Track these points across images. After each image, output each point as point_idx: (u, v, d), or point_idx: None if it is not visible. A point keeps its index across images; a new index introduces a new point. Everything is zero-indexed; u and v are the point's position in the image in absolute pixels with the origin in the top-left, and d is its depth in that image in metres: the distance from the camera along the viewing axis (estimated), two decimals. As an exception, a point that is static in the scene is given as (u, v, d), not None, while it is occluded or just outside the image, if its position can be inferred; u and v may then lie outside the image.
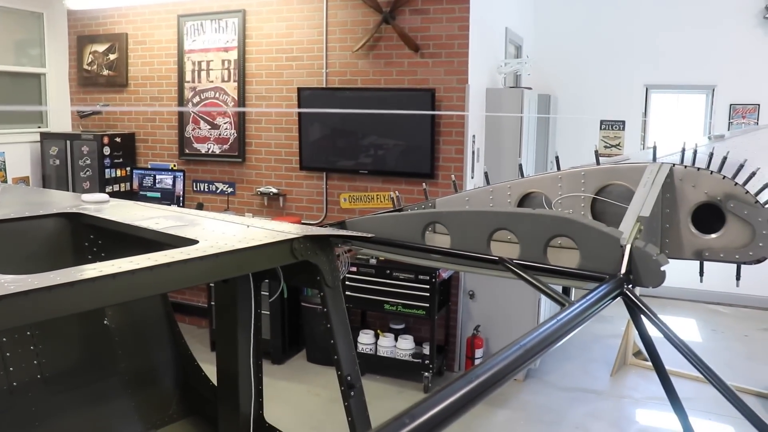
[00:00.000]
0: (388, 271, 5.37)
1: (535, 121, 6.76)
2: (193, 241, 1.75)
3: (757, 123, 7.38)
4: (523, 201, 2.26)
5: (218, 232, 1.91)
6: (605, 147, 7.98)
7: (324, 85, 5.91)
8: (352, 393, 2.09)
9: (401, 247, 1.95)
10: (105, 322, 2.42)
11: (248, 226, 2.01)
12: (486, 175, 2.44)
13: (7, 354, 2.17)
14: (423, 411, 0.82)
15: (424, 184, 2.79)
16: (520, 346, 1.12)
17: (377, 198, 5.80)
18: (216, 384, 2.42)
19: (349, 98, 5.83)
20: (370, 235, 1.99)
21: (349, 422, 2.08)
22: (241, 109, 6.28)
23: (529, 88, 6.42)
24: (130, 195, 6.59)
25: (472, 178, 5.67)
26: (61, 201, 2.67)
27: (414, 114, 5.49)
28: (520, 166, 2.45)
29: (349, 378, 2.06)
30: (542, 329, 1.21)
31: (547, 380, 5.59)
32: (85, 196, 2.50)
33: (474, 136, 5.72)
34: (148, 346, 2.56)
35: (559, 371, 5.76)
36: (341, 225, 2.17)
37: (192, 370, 2.57)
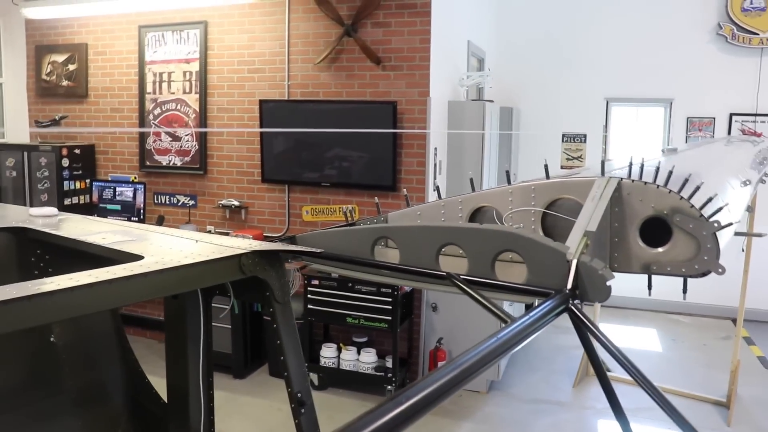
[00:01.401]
0: (351, 284, 5.35)
1: (497, 134, 6.81)
2: (139, 257, 1.72)
3: (713, 136, 7.52)
4: (475, 215, 2.26)
5: (165, 247, 1.88)
6: (567, 159, 8.07)
7: (286, 98, 5.89)
8: (303, 410, 2.07)
9: (350, 262, 1.94)
10: (51, 339, 2.36)
11: (197, 241, 1.98)
12: (438, 189, 2.44)
13: None
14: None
15: (376, 198, 2.78)
16: (456, 366, 1.11)
17: (339, 211, 5.78)
18: (166, 401, 2.38)
19: (312, 111, 5.82)
20: (319, 251, 1.97)
21: None
22: (202, 130, 6.23)
23: (491, 101, 6.47)
24: (90, 207, 6.49)
25: (434, 190, 5.67)
26: (9, 215, 2.61)
27: (375, 126, 5.50)
28: (471, 180, 2.46)
29: (299, 395, 2.04)
30: (482, 347, 1.21)
31: (510, 392, 5.61)
32: (33, 210, 2.44)
33: (436, 148, 5.74)
34: (96, 362, 2.51)
35: (523, 383, 5.78)
36: (292, 240, 2.16)
37: (142, 387, 2.52)
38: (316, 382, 5.55)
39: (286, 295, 2.01)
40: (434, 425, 4.94)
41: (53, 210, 2.47)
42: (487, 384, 5.56)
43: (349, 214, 2.39)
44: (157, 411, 2.46)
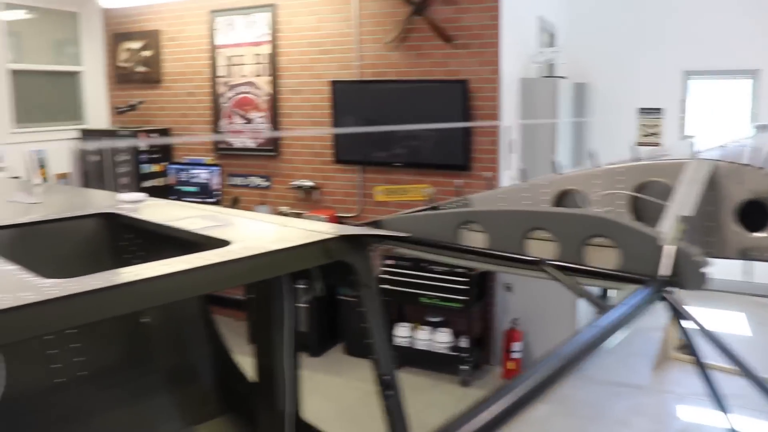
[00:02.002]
0: (425, 264, 5.35)
1: (571, 110, 6.66)
2: (226, 242, 1.75)
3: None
4: (560, 198, 2.22)
5: (252, 232, 1.91)
6: (644, 135, 7.83)
7: (357, 78, 5.89)
8: (390, 393, 2.08)
9: (437, 246, 1.93)
10: (143, 320, 2.44)
11: (283, 226, 2.01)
12: (522, 171, 2.40)
13: (49, 352, 2.20)
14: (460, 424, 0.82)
15: (455, 181, 2.75)
16: (559, 356, 1.10)
17: (412, 190, 5.77)
18: (253, 380, 2.43)
19: (382, 91, 5.81)
20: (406, 235, 1.97)
21: (386, 423, 2.07)
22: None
23: (564, 77, 6.33)
24: (167, 190, 6.66)
25: (508, 170, 5.60)
26: (99, 201, 2.70)
27: (446, 106, 5.46)
28: (555, 162, 2.41)
29: (386, 378, 2.05)
30: (582, 337, 1.19)
31: (586, 374, 5.52)
32: (122, 196, 2.52)
33: (509, 127, 5.65)
34: (185, 343, 2.58)
35: (599, 365, 5.69)
36: (376, 224, 2.16)
37: (229, 366, 2.58)
38: (389, 362, 5.58)
39: (371, 278, 2.02)
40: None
41: (141, 195, 2.53)
42: (562, 365, 5.49)
43: (430, 197, 2.38)
44: (244, 390, 2.52)
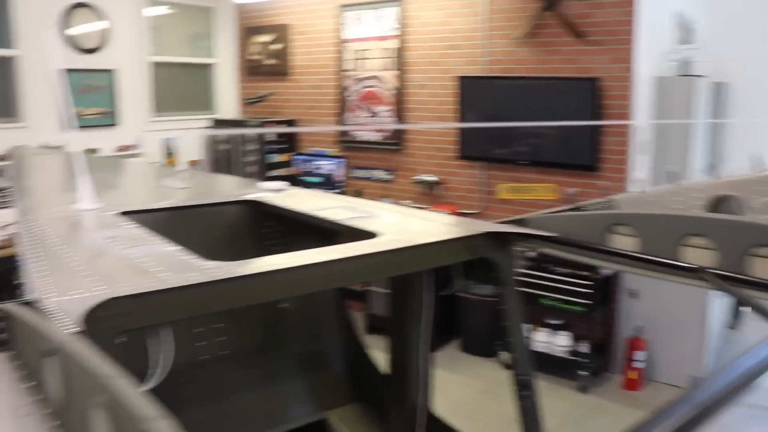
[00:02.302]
0: (547, 265, 5.24)
1: (708, 111, 6.32)
2: (373, 234, 1.77)
3: None
4: (716, 204, 2.10)
5: (398, 225, 1.92)
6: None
7: (484, 74, 5.83)
8: (526, 394, 2.04)
9: (586, 248, 1.87)
10: (281, 306, 2.51)
11: (427, 220, 2.01)
12: (673, 174, 2.29)
13: (195, 330, 2.30)
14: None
15: (598, 182, 2.67)
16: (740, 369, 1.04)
17: (537, 189, 5.66)
18: (384, 371, 2.45)
19: (509, 87, 5.72)
20: (552, 235, 1.92)
21: (521, 423, 2.04)
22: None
23: (702, 76, 6.01)
24: (292, 180, 6.83)
25: (637, 171, 5.39)
26: (241, 188, 2.79)
27: (574, 104, 5.31)
28: (711, 166, 2.28)
29: (524, 378, 2.02)
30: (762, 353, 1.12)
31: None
32: (264, 184, 2.60)
33: (641, 127, 5.44)
34: (320, 330, 2.64)
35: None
36: (520, 222, 2.12)
37: (361, 356, 2.62)
38: (507, 361, 5.52)
39: (514, 277, 1.99)
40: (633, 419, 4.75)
41: (282, 184, 2.61)
42: (689, 379, 5.24)
43: (570, 197, 2.31)
44: (375, 380, 2.55)
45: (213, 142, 7.18)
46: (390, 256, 1.62)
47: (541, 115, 5.56)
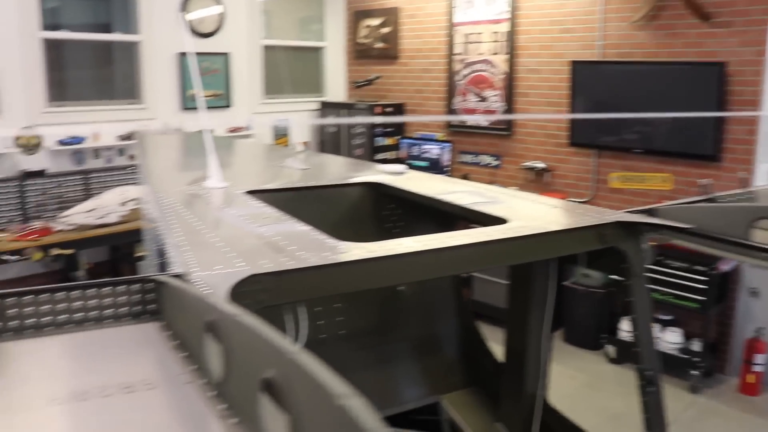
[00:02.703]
0: (661, 258, 5.04)
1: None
2: (502, 220, 1.75)
3: None
4: None
5: (525, 211, 1.89)
6: None
7: (599, 59, 5.64)
8: (651, 390, 1.97)
9: (727, 243, 1.77)
10: (399, 288, 2.52)
11: (554, 207, 1.97)
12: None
13: (316, 309, 2.35)
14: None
15: (739, 173, 2.53)
16: None
17: (651, 179, 5.45)
18: (498, 358, 2.43)
19: (626, 72, 5.51)
20: (687, 227, 1.83)
21: (644, 420, 1.98)
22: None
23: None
24: (399, 163, 6.85)
25: (765, 164, 5.08)
26: (360, 170, 2.82)
27: (697, 90, 5.06)
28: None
29: (649, 373, 1.95)
30: None
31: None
32: (384, 166, 2.61)
33: (770, 114, 5.12)
34: (435, 314, 2.64)
35: None
36: (651, 212, 2.03)
37: (476, 341, 2.60)
38: (612, 355, 5.37)
39: (643, 269, 1.91)
40: (750, 426, 4.54)
41: (402, 167, 2.61)
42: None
43: (704, 188, 2.19)
44: (490, 367, 2.52)
45: (321, 125, 7.30)
46: (522, 243, 1.59)
47: (658, 103, 5.32)
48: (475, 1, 6.41)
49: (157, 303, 1.24)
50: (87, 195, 5.92)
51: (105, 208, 5.48)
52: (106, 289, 1.20)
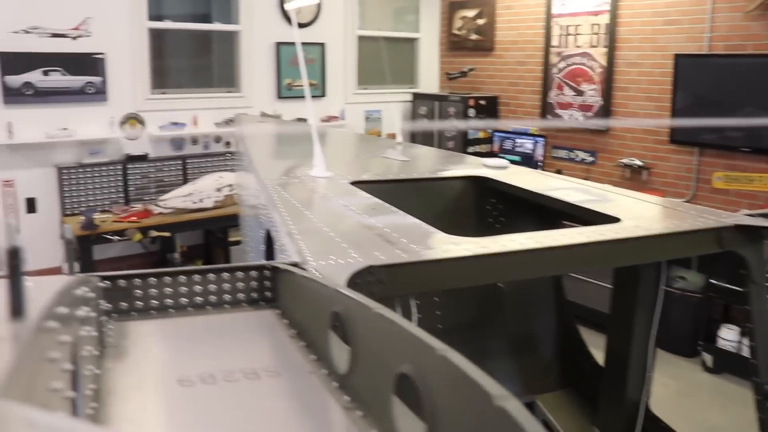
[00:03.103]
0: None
1: None
2: (615, 219, 1.69)
3: None
4: None
5: (638, 210, 1.82)
6: None
7: (706, 52, 5.40)
8: None
9: None
10: (500, 285, 2.49)
11: (667, 207, 1.90)
12: None
13: (413, 302, 2.33)
14: None
15: None
16: None
17: (758, 179, 5.18)
18: (598, 361, 2.36)
19: (735, 66, 5.25)
20: (814, 232, 1.72)
21: None
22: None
23: None
24: (491, 157, 6.77)
25: None
26: (461, 163, 2.79)
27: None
28: None
29: (767, 388, 1.85)
30: None
31: None
32: (486, 160, 2.57)
33: None
34: (534, 311, 2.59)
35: None
36: (772, 216, 1.92)
37: (574, 342, 2.53)
38: (709, 364, 5.15)
39: (764, 276, 1.81)
40: None
41: (504, 162, 2.57)
42: None
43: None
44: (588, 369, 2.46)
45: (413, 116, 7.28)
46: (637, 244, 1.53)
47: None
48: (574, -9, 6.25)
49: (274, 290, 1.25)
50: (185, 180, 6.12)
51: (201, 192, 5.64)
52: (226, 275, 1.22)
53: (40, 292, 0.67)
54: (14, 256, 0.65)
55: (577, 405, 2.46)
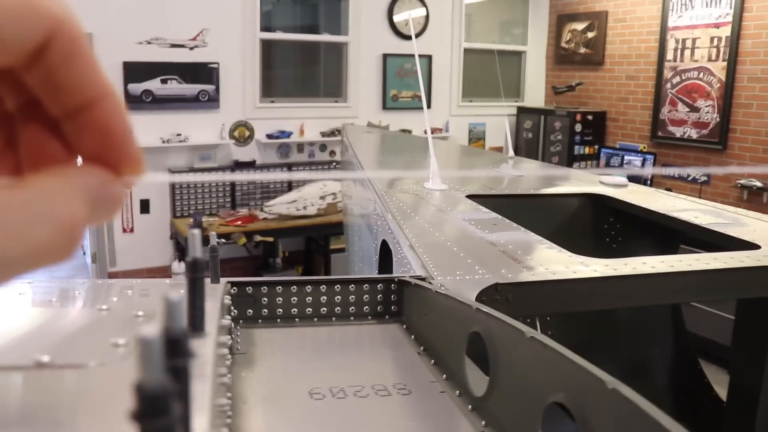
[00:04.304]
0: None
1: None
2: (754, 245, 1.58)
3: None
4: None
5: None
6: None
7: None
8: None
9: None
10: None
11: None
12: None
13: (527, 322, 2.26)
14: None
15: None
16: None
17: None
18: (719, 396, 2.22)
19: None
20: None
21: None
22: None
23: None
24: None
25: None
26: (576, 179, 2.70)
27: None
28: None
29: None
30: None
31: None
32: (605, 178, 2.48)
33: None
34: (650, 339, 2.46)
35: None
36: None
37: (693, 373, 2.39)
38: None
39: None
40: None
41: (624, 179, 2.46)
42: None
43: None
44: (708, 403, 2.32)
45: (519, 130, 7.18)
46: None
47: None
48: (694, 3, 5.99)
49: (399, 304, 1.23)
50: (290, 187, 6.24)
51: (305, 200, 5.73)
52: (352, 287, 1.21)
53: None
54: (196, 268, 0.65)
55: None
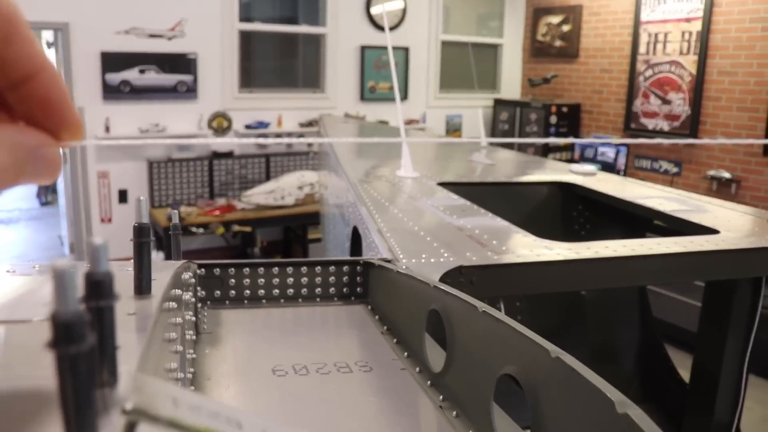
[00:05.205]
0: None
1: None
2: (713, 230, 1.64)
3: None
4: None
5: (737, 223, 1.76)
6: None
7: (805, 62, 5.19)
8: None
9: None
10: (582, 292, 2.45)
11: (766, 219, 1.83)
12: None
13: (496, 305, 2.32)
14: None
15: None
16: None
17: None
18: (683, 379, 2.29)
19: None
20: None
21: None
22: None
23: None
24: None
25: None
26: (546, 168, 2.76)
27: None
28: None
29: None
30: None
31: None
32: (574, 167, 2.54)
33: None
34: (617, 323, 2.53)
35: None
36: None
37: (658, 357, 2.47)
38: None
39: None
40: None
41: (593, 168, 2.53)
42: None
43: None
44: (672, 386, 2.39)
45: (495, 121, 7.25)
46: (738, 257, 1.48)
47: None
48: (665, -2, 6.09)
49: (365, 285, 1.27)
50: (267, 177, 6.26)
51: (283, 189, 5.77)
52: (318, 268, 1.25)
53: (154, 271, 0.71)
54: (142, 233, 0.69)
55: (657, 421, 2.39)
